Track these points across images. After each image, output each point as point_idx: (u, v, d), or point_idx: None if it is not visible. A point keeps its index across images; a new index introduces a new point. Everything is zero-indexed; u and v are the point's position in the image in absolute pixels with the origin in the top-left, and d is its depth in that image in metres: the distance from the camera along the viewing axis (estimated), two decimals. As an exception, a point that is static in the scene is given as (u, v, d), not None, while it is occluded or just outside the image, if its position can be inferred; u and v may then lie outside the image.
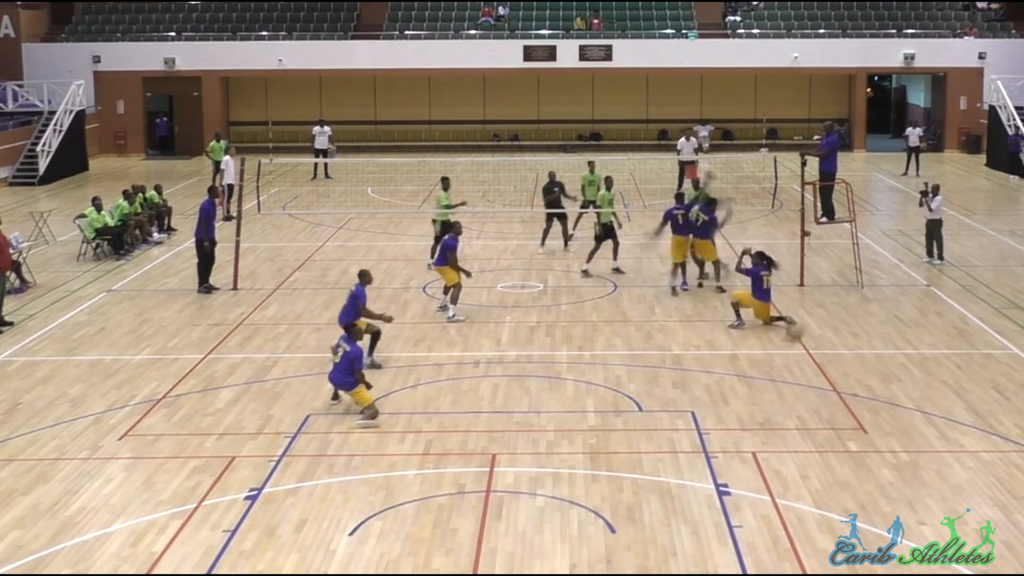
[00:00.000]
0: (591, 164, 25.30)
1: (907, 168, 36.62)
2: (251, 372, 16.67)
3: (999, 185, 34.57)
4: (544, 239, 24.78)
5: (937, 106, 43.32)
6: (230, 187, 29.13)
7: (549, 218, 24.70)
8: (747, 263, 18.98)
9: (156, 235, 26.71)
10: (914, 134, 37.83)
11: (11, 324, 19.17)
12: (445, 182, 23.17)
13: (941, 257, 23.15)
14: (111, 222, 24.91)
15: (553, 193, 24.52)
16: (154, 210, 27.28)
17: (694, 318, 19.48)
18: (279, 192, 33.98)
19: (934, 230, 23.25)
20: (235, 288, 21.58)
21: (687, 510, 11.83)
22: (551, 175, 25.05)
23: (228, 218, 27.43)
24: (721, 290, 20.79)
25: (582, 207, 25.17)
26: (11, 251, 21.69)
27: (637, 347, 17.80)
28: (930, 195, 23.10)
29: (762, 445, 13.49)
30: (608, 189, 22.82)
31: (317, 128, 37.76)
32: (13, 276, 21.56)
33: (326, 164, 36.82)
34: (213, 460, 13.28)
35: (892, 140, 45.14)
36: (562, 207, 24.61)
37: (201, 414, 14.90)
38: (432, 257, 21.38)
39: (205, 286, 21.62)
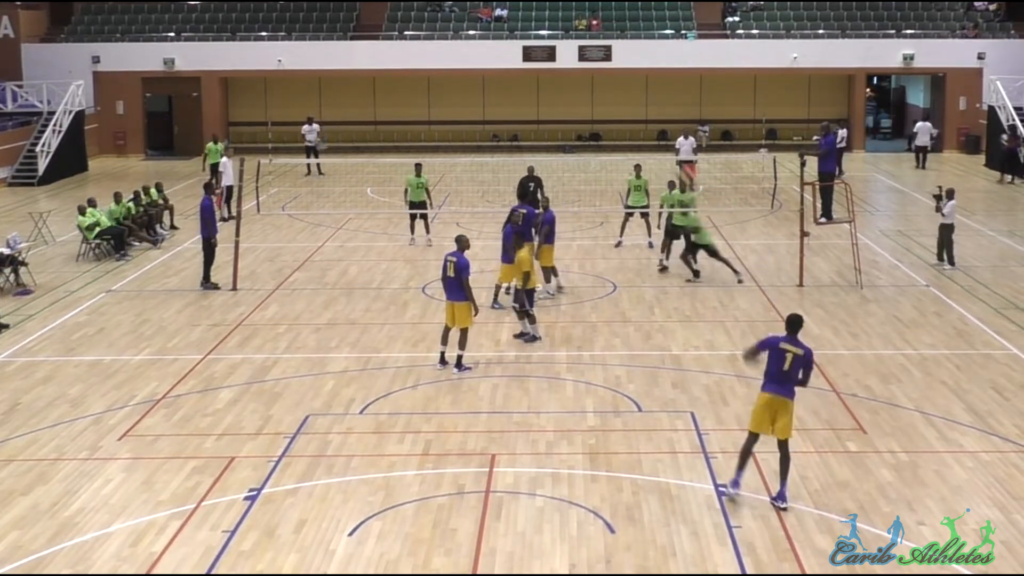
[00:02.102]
0: (637, 168, 25.15)
1: (919, 163, 38.25)
2: (250, 372, 16.67)
3: (998, 185, 34.58)
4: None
5: (936, 106, 43.33)
6: (229, 188, 29.15)
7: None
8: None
9: (160, 232, 26.75)
10: (924, 129, 38.38)
11: (7, 326, 19.14)
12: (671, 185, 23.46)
13: (952, 262, 22.99)
14: (107, 222, 24.89)
15: (528, 188, 23.90)
16: (157, 209, 27.27)
17: (693, 318, 19.49)
18: (278, 192, 33.99)
19: (946, 235, 23.07)
20: (235, 288, 21.58)
21: (686, 510, 11.83)
22: (530, 169, 24.85)
23: (224, 219, 27.45)
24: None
25: (627, 211, 25.12)
26: (9, 251, 21.77)
27: (636, 347, 17.80)
28: (944, 199, 22.92)
29: (761, 446, 13.43)
30: (671, 191, 22.97)
31: (306, 127, 38.40)
32: (11, 274, 21.61)
33: (319, 163, 37.08)
34: (212, 460, 13.28)
35: (891, 141, 45.22)
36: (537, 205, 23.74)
37: (200, 414, 14.90)
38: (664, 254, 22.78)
39: (209, 283, 21.65)
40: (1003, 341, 17.93)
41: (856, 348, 17.68)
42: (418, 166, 25.77)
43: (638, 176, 24.90)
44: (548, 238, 20.47)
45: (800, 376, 11.96)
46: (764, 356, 12.13)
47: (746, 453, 12.05)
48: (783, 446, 11.96)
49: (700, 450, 13.50)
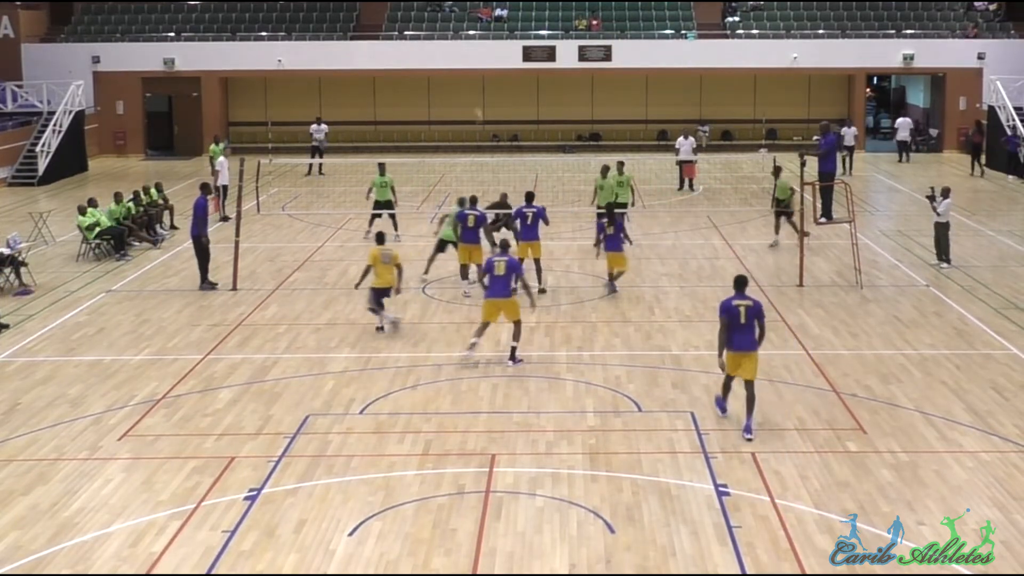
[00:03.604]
0: (620, 164, 25.24)
1: (900, 158, 39.59)
2: (250, 372, 16.67)
3: (998, 185, 34.58)
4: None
5: (936, 106, 43.36)
6: (224, 188, 29.16)
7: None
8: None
9: (160, 232, 26.76)
10: (904, 125, 39.43)
11: (7, 327, 19.13)
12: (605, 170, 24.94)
13: (948, 260, 23.02)
14: (107, 222, 24.88)
15: (498, 220, 22.97)
16: (157, 209, 27.27)
17: (693, 318, 19.48)
18: (278, 192, 33.98)
19: (942, 233, 23.09)
20: (235, 288, 21.58)
21: (686, 510, 11.83)
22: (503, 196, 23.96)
23: (223, 219, 27.46)
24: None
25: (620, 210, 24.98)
26: (9, 251, 21.77)
27: (636, 347, 17.80)
28: (938, 198, 22.92)
29: (761, 445, 13.49)
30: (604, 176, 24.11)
31: (314, 127, 38.75)
32: (11, 274, 21.62)
33: (320, 163, 37.26)
34: (212, 460, 13.28)
35: (891, 142, 45.25)
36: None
37: (200, 414, 14.90)
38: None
39: (207, 283, 21.65)
40: (1003, 341, 17.93)
41: (856, 348, 17.68)
42: (381, 165, 26.07)
43: (620, 172, 24.99)
44: (470, 236, 20.60)
45: (757, 327, 13.80)
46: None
47: (726, 385, 14.31)
48: (749, 386, 13.82)
49: (700, 450, 13.50)
